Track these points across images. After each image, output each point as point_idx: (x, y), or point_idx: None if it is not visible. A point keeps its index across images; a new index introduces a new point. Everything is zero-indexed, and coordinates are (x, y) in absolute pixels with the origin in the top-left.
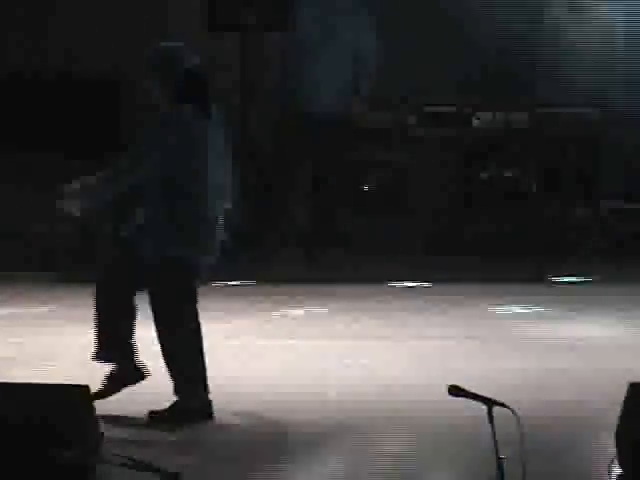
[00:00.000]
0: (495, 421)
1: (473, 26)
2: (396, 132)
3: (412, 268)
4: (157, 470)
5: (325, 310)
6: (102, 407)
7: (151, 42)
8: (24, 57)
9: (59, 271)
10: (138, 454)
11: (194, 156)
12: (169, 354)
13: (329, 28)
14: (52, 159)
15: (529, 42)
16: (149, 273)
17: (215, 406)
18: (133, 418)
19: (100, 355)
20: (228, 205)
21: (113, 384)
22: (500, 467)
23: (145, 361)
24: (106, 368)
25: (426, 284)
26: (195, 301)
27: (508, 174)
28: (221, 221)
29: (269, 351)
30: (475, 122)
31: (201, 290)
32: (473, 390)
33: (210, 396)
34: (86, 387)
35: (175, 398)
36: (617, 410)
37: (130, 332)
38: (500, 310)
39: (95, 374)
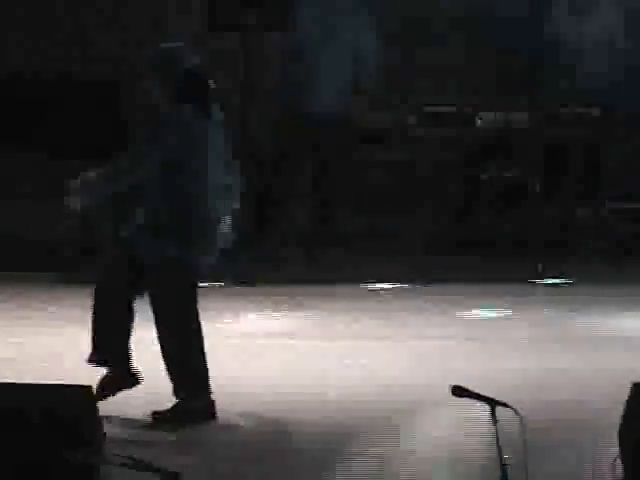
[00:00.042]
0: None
1: (474, 26)
2: (396, 132)
3: (412, 268)
4: (157, 470)
5: (325, 310)
6: (102, 407)
7: (151, 42)
8: (24, 57)
9: (59, 271)
10: (138, 454)
11: (194, 156)
12: (169, 355)
13: (329, 28)
14: (52, 159)
15: (531, 42)
16: (149, 274)
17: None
18: (134, 418)
19: (95, 358)
20: (236, 205)
21: (108, 388)
22: (503, 468)
23: (145, 362)
24: (105, 369)
25: (405, 285)
26: (195, 301)
27: (508, 174)
28: (229, 221)
29: (269, 351)
30: (478, 122)
31: (201, 290)
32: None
33: (212, 396)
34: (89, 387)
35: (175, 400)
36: (618, 410)
37: (127, 336)
38: (483, 313)
39: (95, 375)
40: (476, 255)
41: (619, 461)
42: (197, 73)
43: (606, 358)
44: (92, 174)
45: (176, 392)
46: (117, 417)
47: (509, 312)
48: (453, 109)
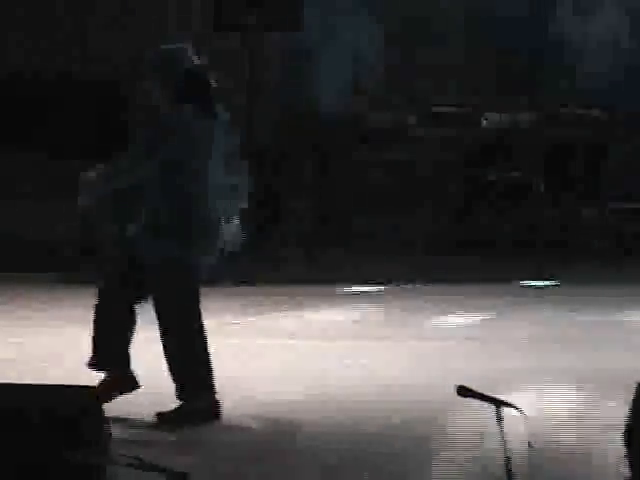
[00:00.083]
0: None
1: (474, 26)
2: (396, 132)
3: (412, 268)
4: (163, 470)
5: (326, 310)
6: (106, 408)
7: (152, 43)
8: (24, 57)
9: (59, 272)
10: (143, 454)
11: (194, 156)
12: (172, 355)
13: (329, 28)
14: (52, 159)
15: (531, 42)
16: (150, 274)
17: None
18: (138, 419)
19: (94, 362)
20: (244, 205)
21: (108, 391)
22: (508, 467)
23: (149, 362)
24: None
25: (382, 287)
26: (198, 301)
27: (509, 174)
28: (237, 221)
29: (269, 351)
30: (484, 123)
31: (201, 290)
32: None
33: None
34: (92, 388)
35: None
36: (622, 409)
37: (127, 341)
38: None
39: (95, 375)
40: (476, 255)
41: (625, 460)
42: (198, 73)
43: (606, 358)
44: (92, 174)
45: (178, 394)
46: (121, 418)
47: (509, 312)
48: (453, 109)
